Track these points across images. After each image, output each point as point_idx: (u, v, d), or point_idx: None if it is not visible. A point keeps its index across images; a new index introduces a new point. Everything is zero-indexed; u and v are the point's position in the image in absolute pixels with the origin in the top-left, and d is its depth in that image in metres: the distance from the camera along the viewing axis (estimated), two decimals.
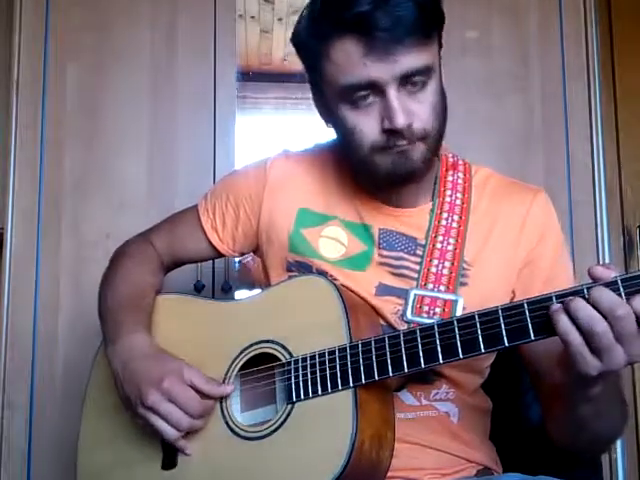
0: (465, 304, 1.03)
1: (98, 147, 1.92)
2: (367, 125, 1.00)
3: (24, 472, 1.80)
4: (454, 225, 1.08)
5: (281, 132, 2.42)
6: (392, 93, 0.98)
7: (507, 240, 1.09)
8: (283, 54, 2.54)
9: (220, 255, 1.25)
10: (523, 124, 2.04)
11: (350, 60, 0.98)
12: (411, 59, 0.97)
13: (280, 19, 2.42)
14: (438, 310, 1.03)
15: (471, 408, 1.10)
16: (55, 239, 1.88)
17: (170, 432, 1.01)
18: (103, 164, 1.92)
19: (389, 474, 0.99)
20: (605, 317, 0.81)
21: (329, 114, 1.08)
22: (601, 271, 0.83)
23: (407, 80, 0.98)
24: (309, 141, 1.25)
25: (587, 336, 0.82)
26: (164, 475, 1.06)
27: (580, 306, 0.82)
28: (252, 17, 2.33)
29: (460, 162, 1.16)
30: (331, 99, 1.04)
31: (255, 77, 2.39)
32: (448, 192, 1.11)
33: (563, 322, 0.82)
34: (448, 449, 1.06)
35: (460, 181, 1.12)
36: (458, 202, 1.10)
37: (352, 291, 1.07)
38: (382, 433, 0.95)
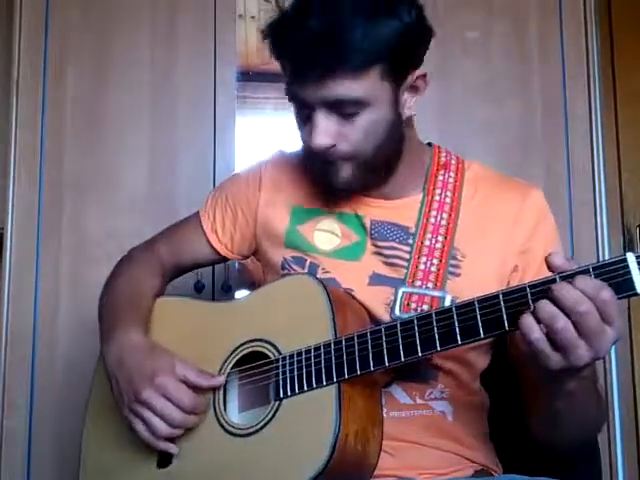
0: (457, 294, 1.03)
1: (98, 147, 1.92)
2: (303, 133, 1.07)
3: (24, 472, 1.80)
4: (443, 223, 1.10)
5: (281, 132, 2.41)
6: (318, 114, 1.01)
7: (500, 235, 1.10)
8: None
9: (221, 258, 1.27)
10: (523, 125, 2.03)
11: (289, 76, 1.04)
12: (341, 89, 0.98)
13: None
14: (426, 307, 1.04)
15: (467, 406, 1.11)
16: (55, 239, 1.88)
17: (163, 428, 1.01)
18: (103, 164, 1.92)
19: (383, 472, 1.00)
20: (568, 314, 0.80)
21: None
22: (562, 261, 0.83)
23: (338, 106, 1.00)
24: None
25: (549, 333, 0.81)
26: (160, 473, 1.07)
27: (541, 305, 0.82)
28: (252, 17, 2.33)
29: (452, 161, 1.16)
30: None
31: (255, 77, 2.39)
32: (437, 191, 1.12)
33: (526, 319, 0.82)
34: (444, 448, 1.06)
35: (451, 180, 1.13)
36: (447, 200, 1.11)
37: (342, 286, 1.09)
38: (368, 428, 0.96)
